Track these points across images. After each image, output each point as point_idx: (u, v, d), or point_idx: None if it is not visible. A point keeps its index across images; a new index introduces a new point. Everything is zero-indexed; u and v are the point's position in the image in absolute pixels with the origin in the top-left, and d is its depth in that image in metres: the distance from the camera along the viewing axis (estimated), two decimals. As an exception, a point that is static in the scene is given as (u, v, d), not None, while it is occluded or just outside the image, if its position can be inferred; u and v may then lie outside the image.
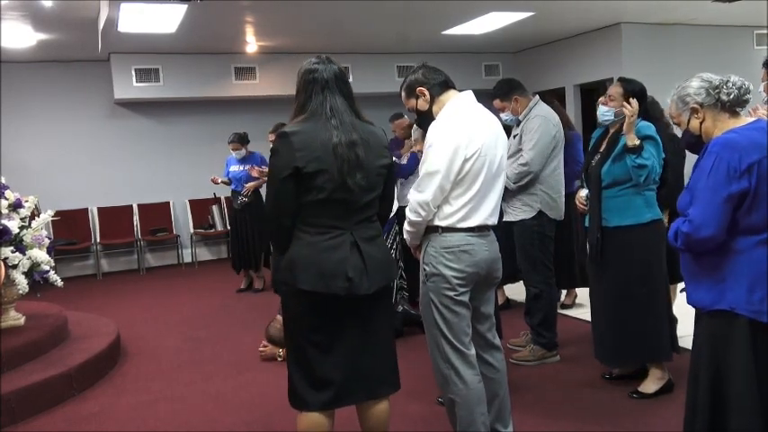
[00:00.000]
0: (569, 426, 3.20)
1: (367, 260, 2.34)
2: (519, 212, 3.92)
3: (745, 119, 2.22)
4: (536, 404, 3.45)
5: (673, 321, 3.50)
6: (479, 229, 2.62)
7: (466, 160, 2.54)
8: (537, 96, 4.12)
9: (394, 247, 4.71)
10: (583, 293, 5.39)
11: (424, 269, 2.65)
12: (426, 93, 2.72)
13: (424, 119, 2.78)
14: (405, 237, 2.77)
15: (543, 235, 3.94)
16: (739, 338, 2.12)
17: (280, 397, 3.75)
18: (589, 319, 4.85)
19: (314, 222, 2.33)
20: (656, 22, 8.11)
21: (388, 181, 2.50)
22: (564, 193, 4.05)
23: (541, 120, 3.92)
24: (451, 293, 2.59)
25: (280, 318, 4.48)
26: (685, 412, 2.30)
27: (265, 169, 5.82)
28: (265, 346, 4.48)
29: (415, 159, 5.04)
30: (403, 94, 2.83)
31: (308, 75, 2.39)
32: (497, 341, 2.83)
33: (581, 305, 5.30)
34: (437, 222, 2.61)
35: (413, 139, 5.08)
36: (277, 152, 2.32)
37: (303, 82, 2.40)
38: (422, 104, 2.75)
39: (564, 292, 5.23)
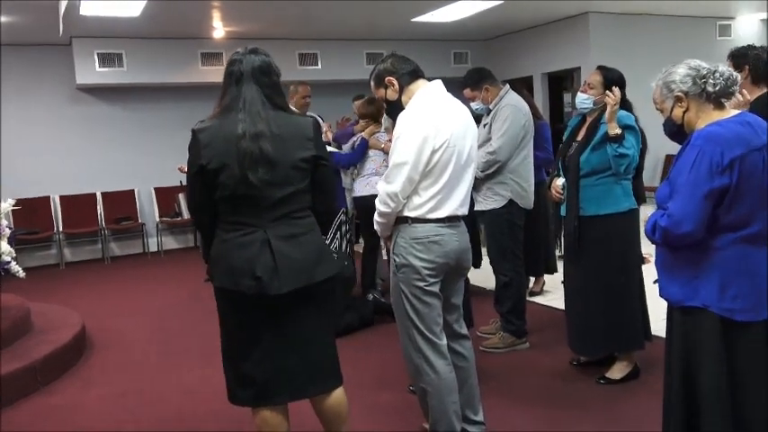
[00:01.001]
0: (539, 412, 3.25)
1: (279, 259, 2.25)
2: (489, 201, 3.94)
3: (730, 111, 2.15)
4: (506, 391, 3.49)
5: (645, 309, 3.53)
6: (449, 220, 2.62)
7: (434, 151, 2.53)
8: (507, 85, 4.14)
9: (338, 237, 4.49)
10: (550, 280, 5.48)
11: (395, 260, 2.65)
12: (395, 82, 2.71)
13: (393, 108, 2.76)
14: (375, 228, 2.76)
15: (513, 224, 3.97)
16: (711, 336, 2.10)
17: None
18: (557, 306, 4.99)
19: (228, 219, 2.32)
20: (623, 11, 8.20)
21: (318, 174, 2.38)
22: (533, 182, 4.10)
23: (511, 109, 3.94)
24: (422, 284, 2.59)
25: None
26: (663, 404, 2.31)
27: None
28: (235, 337, 4.43)
29: (363, 148, 5.01)
30: (372, 83, 2.82)
31: (227, 68, 2.35)
32: (465, 330, 2.85)
33: (549, 292, 5.37)
34: (407, 213, 2.60)
35: (383, 127, 5.05)
36: (189, 150, 2.32)
37: (224, 76, 2.36)
38: (390, 94, 2.74)
39: (532, 279, 5.29)
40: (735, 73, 2.14)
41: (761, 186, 2.05)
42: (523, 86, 4.96)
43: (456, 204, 2.63)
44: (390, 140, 2.86)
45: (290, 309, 2.33)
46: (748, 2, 8.38)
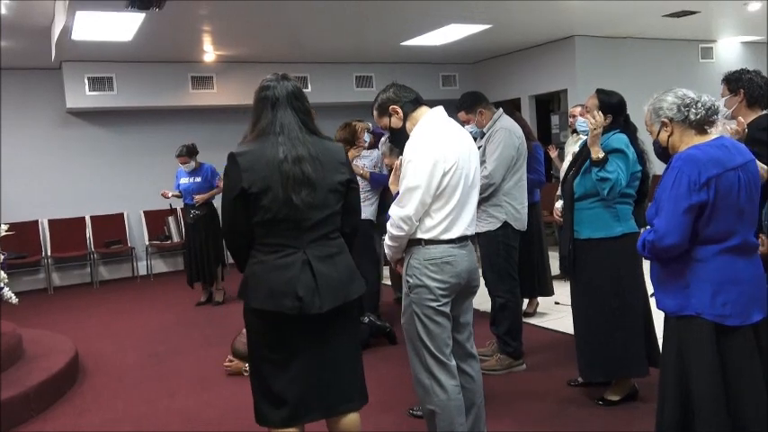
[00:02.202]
0: (539, 434, 3.26)
1: (319, 279, 2.31)
2: (485, 224, 3.97)
3: (711, 135, 2.34)
4: (506, 413, 3.49)
5: (652, 335, 3.47)
6: (460, 240, 2.68)
7: (445, 174, 2.60)
8: (501, 109, 4.19)
9: None
10: (544, 302, 5.51)
11: (408, 281, 2.69)
12: (399, 110, 2.79)
13: (398, 136, 2.83)
14: (386, 252, 2.81)
15: (509, 246, 4.00)
16: (705, 342, 2.25)
17: (248, 413, 3.69)
18: (552, 327, 5.02)
19: (267, 242, 2.34)
20: (608, 35, 8.35)
21: (349, 197, 2.47)
22: (527, 204, 4.14)
23: (505, 132, 3.99)
24: (435, 304, 2.63)
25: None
26: (656, 413, 2.42)
27: None
28: (231, 361, 4.41)
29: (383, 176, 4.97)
30: (375, 113, 2.88)
31: (260, 93, 2.40)
32: (475, 350, 2.88)
33: (544, 314, 5.40)
34: (419, 235, 2.65)
35: (380, 152, 5.07)
36: (226, 174, 2.33)
37: (256, 101, 2.40)
38: (395, 122, 2.81)
39: (526, 300, 5.31)
40: (717, 103, 2.37)
41: (738, 203, 2.25)
42: (513, 108, 5.02)
43: (465, 224, 2.70)
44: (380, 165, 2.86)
45: (326, 327, 2.38)
46: (729, 26, 8.57)
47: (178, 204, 8.13)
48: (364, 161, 4.99)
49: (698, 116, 2.31)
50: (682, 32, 8.51)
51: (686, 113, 2.32)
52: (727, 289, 2.25)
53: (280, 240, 2.32)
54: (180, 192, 6.60)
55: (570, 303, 3.64)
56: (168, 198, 6.71)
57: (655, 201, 2.34)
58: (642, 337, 3.40)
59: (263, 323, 2.35)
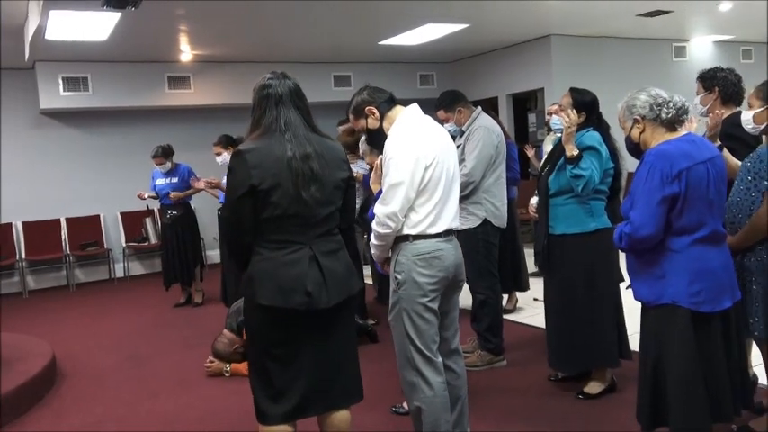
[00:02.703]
0: (521, 428, 3.29)
1: (326, 274, 2.35)
2: (465, 221, 3.98)
3: (679, 132, 2.46)
4: (488, 408, 3.52)
5: (622, 327, 3.57)
6: (446, 234, 2.70)
7: (427, 168, 2.62)
8: (479, 108, 4.23)
9: None
10: (522, 298, 5.56)
11: (396, 277, 2.69)
12: (375, 111, 2.80)
13: (376, 136, 2.85)
14: (372, 251, 2.81)
15: (488, 243, 4.03)
16: (682, 328, 2.35)
17: (230, 414, 3.70)
18: (531, 323, 5.07)
19: (272, 238, 2.34)
20: (584, 34, 8.45)
21: (347, 194, 2.51)
22: (506, 201, 4.17)
23: (484, 130, 4.02)
24: (423, 300, 2.65)
25: (227, 332, 4.42)
26: (637, 399, 2.53)
27: (214, 179, 5.66)
28: (212, 362, 4.39)
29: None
30: (351, 116, 2.89)
31: (262, 90, 2.40)
32: (460, 347, 2.91)
33: (522, 309, 5.45)
34: (407, 231, 2.66)
35: (361, 151, 5.09)
36: (233, 171, 2.32)
37: (258, 98, 2.40)
38: (372, 123, 2.83)
39: (505, 297, 5.35)
40: (687, 103, 2.47)
41: (708, 195, 2.36)
42: (489, 108, 5.07)
43: (450, 218, 2.73)
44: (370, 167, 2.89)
45: (330, 322, 2.40)
46: (701, 25, 8.72)
47: (155, 205, 8.08)
48: (357, 169, 5.05)
49: (669, 115, 2.42)
50: (655, 32, 8.64)
51: (658, 112, 2.42)
52: (702, 277, 2.35)
53: (287, 237, 2.33)
54: (156, 193, 6.54)
55: (543, 298, 3.71)
56: (144, 199, 6.64)
57: (630, 195, 2.44)
58: (614, 330, 3.49)
59: (269, 320, 2.34)
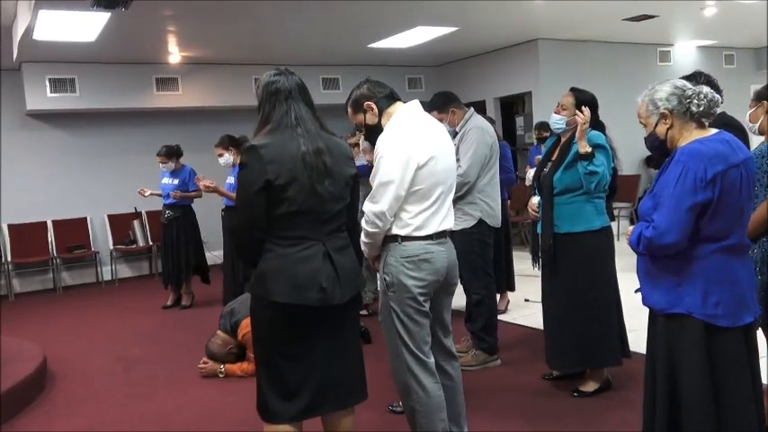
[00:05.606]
0: (518, 426, 3.30)
1: (339, 270, 2.35)
2: (460, 222, 4.00)
3: (710, 130, 2.24)
4: (483, 408, 3.53)
5: (622, 327, 3.59)
6: (438, 236, 2.64)
7: (420, 167, 2.55)
8: (472, 109, 4.26)
9: None
10: (513, 298, 5.60)
11: (385, 279, 2.65)
12: (374, 106, 2.72)
13: (373, 132, 2.76)
14: (362, 249, 2.74)
15: (483, 243, 4.06)
16: (695, 341, 2.18)
17: (226, 415, 3.69)
18: (524, 323, 5.10)
19: (285, 234, 2.32)
20: (570, 38, 8.54)
21: (354, 191, 2.51)
22: (500, 201, 4.21)
23: (478, 131, 4.05)
24: (413, 303, 2.60)
25: (221, 333, 4.40)
26: (644, 412, 2.38)
27: (211, 184, 5.60)
28: (205, 363, 4.37)
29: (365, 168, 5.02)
30: (349, 110, 2.82)
31: (270, 86, 2.38)
32: (454, 349, 2.88)
33: (513, 310, 5.48)
34: (396, 231, 2.61)
35: (361, 149, 5.12)
36: (247, 166, 2.29)
37: (266, 94, 2.38)
38: (370, 118, 2.75)
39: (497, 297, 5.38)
40: (717, 96, 2.24)
41: (738, 201, 2.16)
42: (479, 110, 5.10)
43: (442, 219, 2.66)
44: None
45: (340, 318, 2.41)
46: (686, 30, 8.84)
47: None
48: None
49: (700, 108, 2.20)
50: (641, 36, 8.74)
51: (687, 105, 2.21)
52: (721, 289, 2.17)
53: (300, 233, 2.32)
54: (160, 191, 6.50)
55: (541, 298, 3.71)
56: (146, 196, 6.57)
57: (653, 195, 2.24)
58: (616, 328, 3.51)
59: (281, 317, 2.32)
